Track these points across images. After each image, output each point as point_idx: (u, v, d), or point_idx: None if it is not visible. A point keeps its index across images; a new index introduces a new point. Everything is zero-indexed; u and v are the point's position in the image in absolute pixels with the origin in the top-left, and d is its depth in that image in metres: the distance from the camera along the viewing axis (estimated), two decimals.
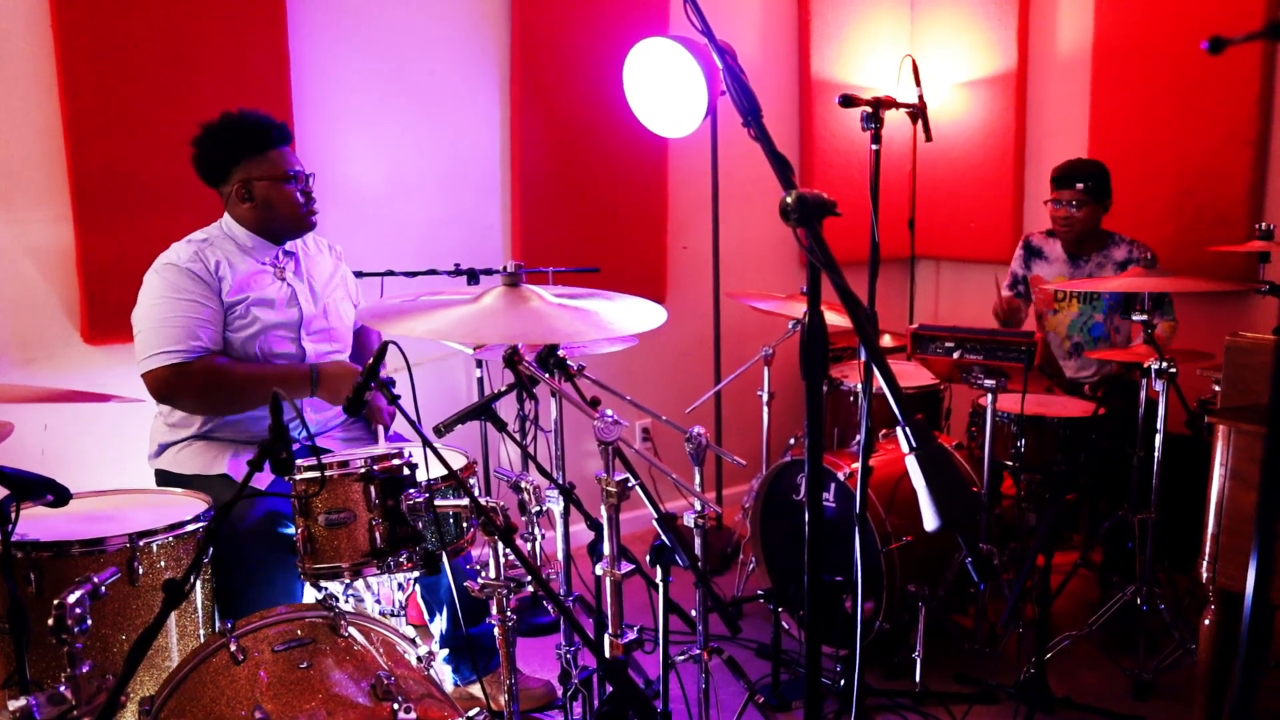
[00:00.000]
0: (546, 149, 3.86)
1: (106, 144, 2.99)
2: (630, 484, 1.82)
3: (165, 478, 2.60)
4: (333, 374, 2.54)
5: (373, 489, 1.91)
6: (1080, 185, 3.51)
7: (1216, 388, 2.35)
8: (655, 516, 1.94)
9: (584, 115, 3.93)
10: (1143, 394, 2.96)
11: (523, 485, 1.95)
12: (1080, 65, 4.32)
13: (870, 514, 2.93)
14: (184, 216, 2.75)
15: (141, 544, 2.02)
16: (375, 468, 1.92)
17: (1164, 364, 2.74)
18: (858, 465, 3.06)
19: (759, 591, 2.89)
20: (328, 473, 1.90)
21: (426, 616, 2.79)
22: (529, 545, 2.03)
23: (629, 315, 1.81)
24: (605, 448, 1.79)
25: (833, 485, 3.09)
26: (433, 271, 3.39)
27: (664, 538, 1.95)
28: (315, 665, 1.80)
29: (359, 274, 3.26)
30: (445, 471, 2.08)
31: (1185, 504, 3.07)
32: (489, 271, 3.47)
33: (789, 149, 4.65)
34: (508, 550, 1.88)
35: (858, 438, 3.20)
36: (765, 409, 3.58)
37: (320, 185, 3.45)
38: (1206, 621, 2.25)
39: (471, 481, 2.33)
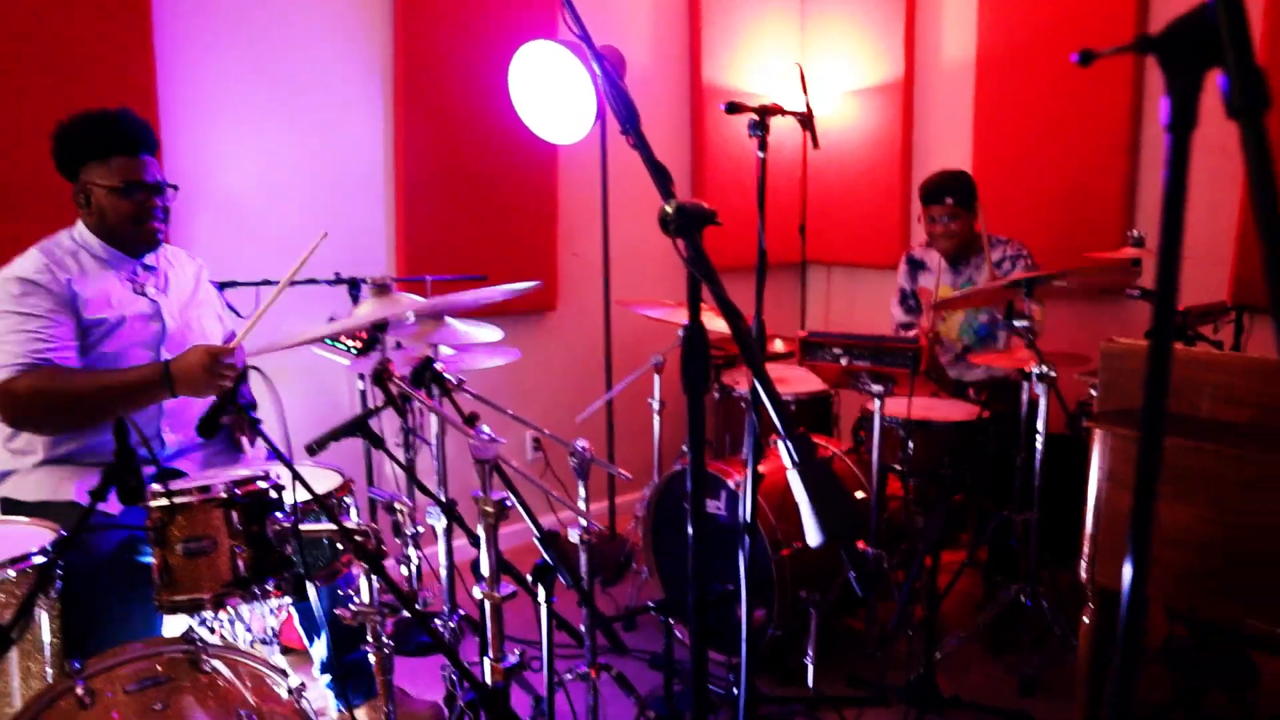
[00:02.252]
0: (432, 153, 3.76)
1: None
2: (509, 503, 1.75)
3: (10, 506, 2.42)
4: (188, 367, 2.30)
5: (235, 514, 1.80)
6: (950, 200, 3.58)
7: (1094, 392, 2.41)
8: (536, 535, 1.87)
9: (472, 118, 3.84)
10: (1024, 396, 3.02)
11: (396, 507, 1.87)
12: (964, 74, 4.41)
13: (760, 521, 2.91)
14: (46, 221, 2.57)
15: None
16: (237, 492, 1.81)
17: (1044, 368, 2.80)
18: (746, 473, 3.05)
19: (650, 603, 2.84)
20: (185, 499, 1.79)
21: (305, 642, 2.67)
22: (406, 568, 1.94)
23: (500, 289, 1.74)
24: (482, 466, 1.71)
25: (723, 493, 3.07)
26: (312, 280, 3.26)
27: (545, 557, 1.88)
28: (172, 706, 1.69)
29: (232, 284, 3.12)
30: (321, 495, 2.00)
31: (1065, 502, 3.15)
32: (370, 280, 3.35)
33: (680, 156, 4.63)
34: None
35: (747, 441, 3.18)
36: (656, 418, 3.55)
37: (191, 190, 3.29)
38: (1086, 619, 2.29)
39: (349, 501, 2.24)
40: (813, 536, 1.47)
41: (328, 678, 2.65)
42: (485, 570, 1.78)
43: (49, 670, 2.02)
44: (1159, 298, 0.86)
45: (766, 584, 2.93)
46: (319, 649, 2.62)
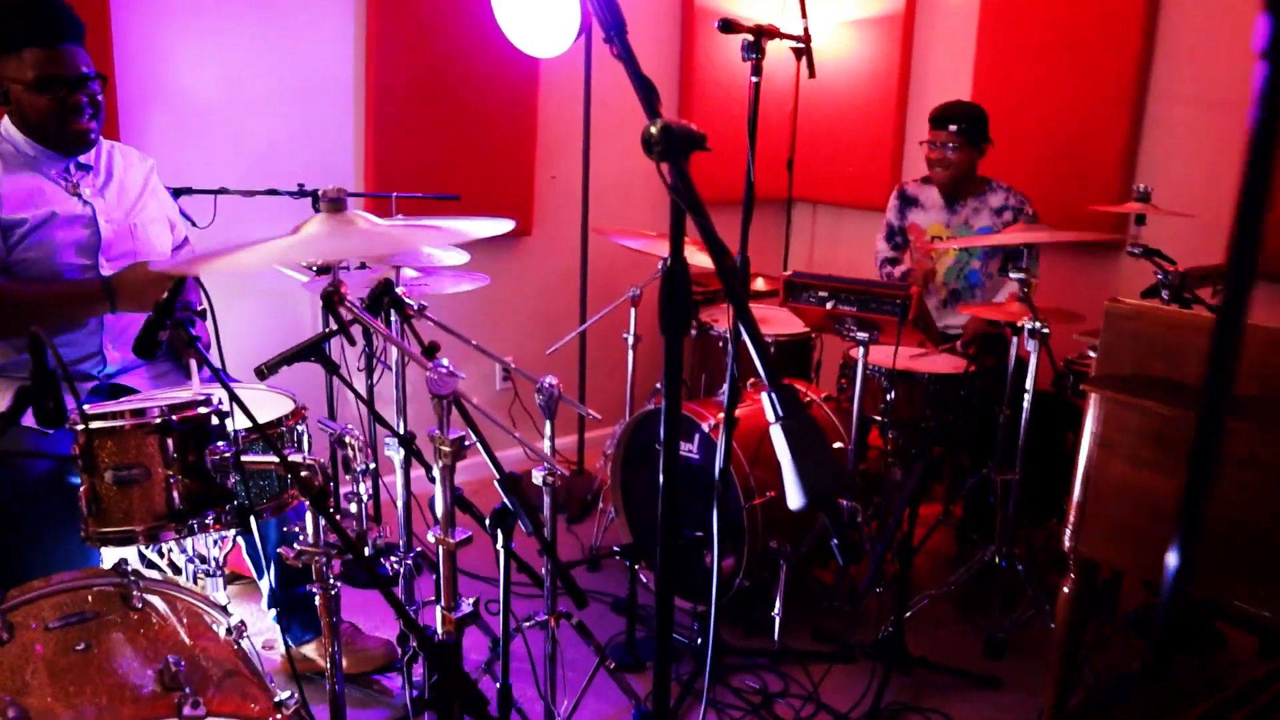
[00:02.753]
0: (406, 62, 3.54)
1: None
2: (468, 442, 1.62)
3: None
4: (132, 281, 2.18)
5: (171, 442, 1.66)
6: (954, 127, 3.42)
7: (1092, 353, 2.29)
8: (496, 477, 1.75)
9: (449, 26, 3.62)
10: (1013, 351, 2.92)
11: (346, 440, 1.73)
12: (968, 10, 4.22)
13: (734, 468, 2.80)
14: None
15: None
16: (174, 418, 1.66)
17: (1037, 324, 2.68)
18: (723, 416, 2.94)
19: (615, 548, 2.74)
20: (117, 423, 1.64)
21: (254, 573, 2.55)
22: (355, 505, 1.81)
23: (470, 228, 1.59)
24: (440, 401, 1.58)
25: (697, 436, 2.96)
26: (273, 191, 3.07)
27: (506, 500, 1.76)
28: (97, 646, 1.56)
29: (187, 191, 2.93)
30: (268, 423, 1.87)
31: (1046, 462, 3.07)
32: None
33: (668, 79, 4.42)
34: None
35: (724, 388, 3.06)
36: (630, 353, 3.41)
37: (144, 84, 3.07)
38: (1065, 589, 2.21)
39: (301, 429, 2.09)
40: (794, 499, 1.35)
41: (275, 611, 2.53)
42: (440, 513, 1.65)
43: None
44: (1234, 263, 0.73)
45: (737, 532, 2.83)
46: (266, 582, 2.50)
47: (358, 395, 2.10)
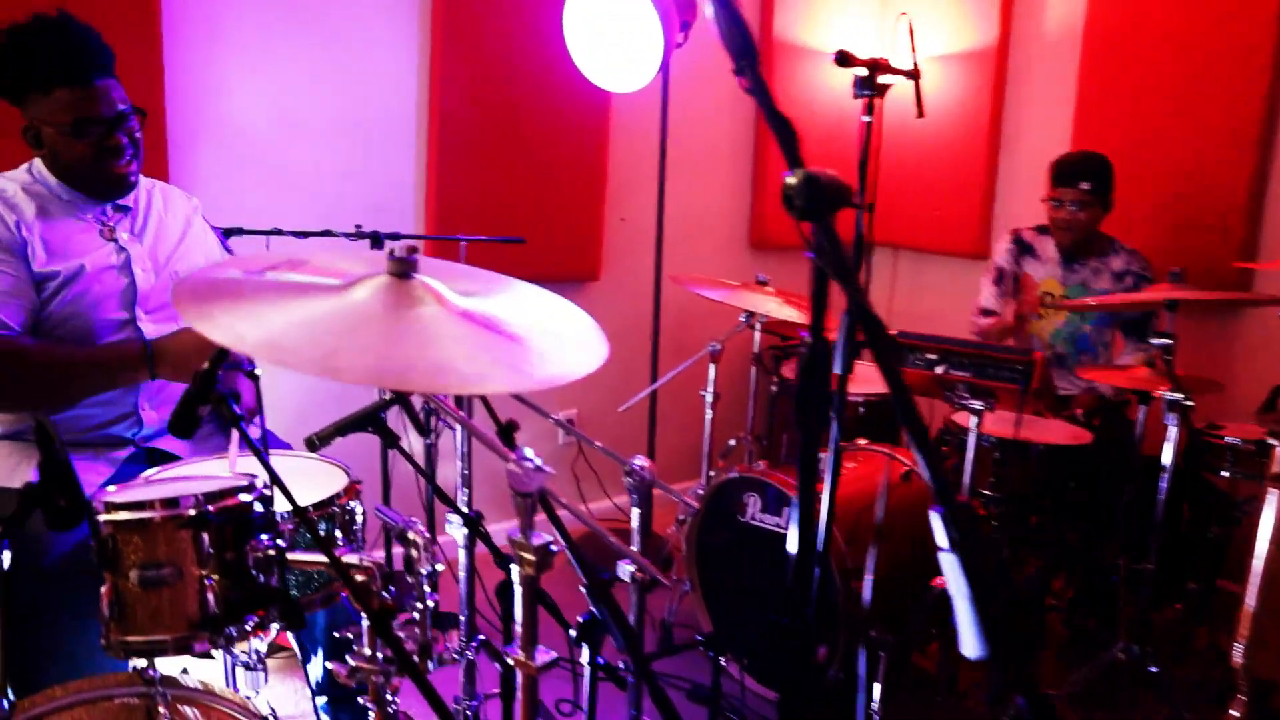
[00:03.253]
0: (471, 97, 3.33)
1: None
2: (555, 548, 1.36)
3: None
4: (177, 349, 1.98)
5: (206, 537, 1.42)
6: (1086, 185, 3.11)
7: (1273, 441, 1.98)
8: (584, 583, 1.48)
9: (517, 59, 3.41)
10: (1139, 422, 2.61)
11: (410, 537, 1.48)
12: (1069, 45, 3.92)
13: (830, 548, 2.51)
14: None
15: None
16: (209, 509, 1.42)
17: (1178, 395, 2.37)
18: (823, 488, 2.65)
19: (698, 636, 2.47)
20: (144, 514, 1.40)
21: (300, 658, 2.30)
22: (418, 613, 1.55)
23: (558, 344, 1.32)
24: (524, 500, 1.32)
25: (787, 511, 2.67)
26: (328, 233, 2.86)
27: (595, 610, 1.50)
28: None
29: (238, 231, 2.72)
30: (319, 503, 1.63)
31: (1169, 540, 2.74)
32: (396, 236, 2.95)
33: (744, 115, 4.18)
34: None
35: (819, 455, 2.77)
36: (709, 411, 3.14)
37: (194, 119, 2.88)
38: (1235, 713, 1.89)
39: (354, 509, 1.85)
40: (971, 647, 1.07)
41: (323, 700, 2.28)
42: (520, 629, 1.39)
43: None
44: None
45: (832, 619, 2.54)
46: (315, 668, 2.26)
47: (421, 472, 1.86)
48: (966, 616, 1.10)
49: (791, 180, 1.13)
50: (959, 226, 4.30)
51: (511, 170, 3.47)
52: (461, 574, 2.17)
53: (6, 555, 1.72)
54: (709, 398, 3.12)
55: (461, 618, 2.23)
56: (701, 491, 3.21)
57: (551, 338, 1.31)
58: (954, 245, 4.30)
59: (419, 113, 3.30)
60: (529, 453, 1.33)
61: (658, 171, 3.49)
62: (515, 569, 1.37)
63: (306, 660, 2.28)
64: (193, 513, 1.41)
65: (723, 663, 2.78)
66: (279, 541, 1.47)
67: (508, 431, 1.57)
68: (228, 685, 1.81)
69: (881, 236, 4.48)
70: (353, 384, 1.08)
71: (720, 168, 4.13)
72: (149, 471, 1.82)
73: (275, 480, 1.37)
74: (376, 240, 2.93)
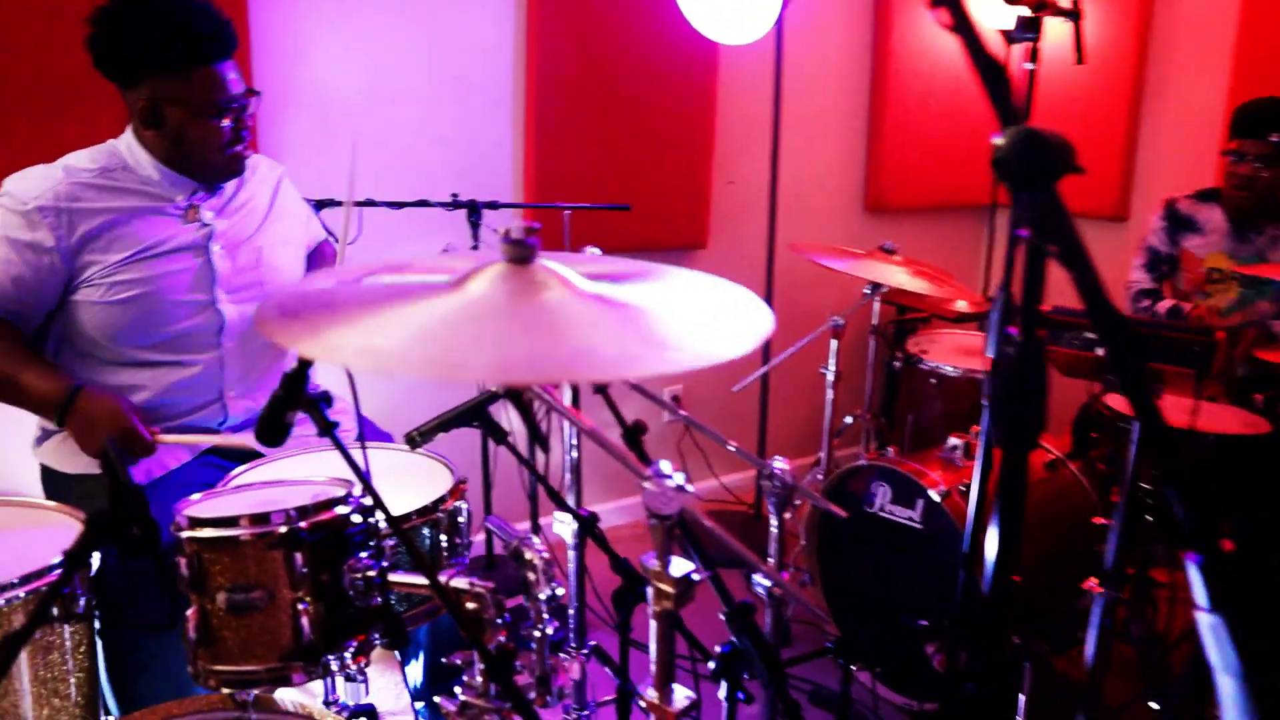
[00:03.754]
0: (570, 56, 3.12)
1: None
2: (697, 577, 1.16)
3: (48, 476, 1.95)
4: (92, 412, 1.78)
5: (299, 557, 1.26)
6: (1276, 137, 2.74)
7: None
8: (725, 610, 1.29)
9: (619, 14, 3.18)
10: None
11: (527, 556, 1.29)
12: None
13: (975, 548, 2.27)
14: (97, 119, 2.07)
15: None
16: (302, 525, 1.26)
17: None
18: (961, 479, 2.41)
19: (827, 644, 2.26)
20: (231, 532, 1.25)
21: (399, 658, 2.17)
22: (535, 638, 1.37)
23: (708, 322, 1.10)
24: (661, 525, 1.12)
25: (920, 502, 2.44)
26: (424, 203, 2.71)
27: (737, 640, 1.30)
28: None
29: (330, 203, 2.57)
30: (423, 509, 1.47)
31: None
32: (494, 205, 2.78)
33: (859, 66, 3.88)
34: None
35: (953, 442, 2.53)
36: (830, 390, 2.91)
37: (282, 90, 2.73)
38: None
39: (461, 510, 1.68)
40: None
41: (421, 705, 2.14)
42: (655, 670, 1.20)
43: None
44: None
45: (971, 624, 2.30)
46: (414, 672, 2.11)
47: (533, 473, 1.67)
48: (1232, 694, 0.88)
49: (1007, 139, 0.90)
50: (1097, 186, 3.94)
51: (614, 133, 3.26)
52: (570, 575, 2.00)
53: (95, 558, 1.61)
54: (830, 376, 2.89)
55: (569, 615, 2.07)
56: (821, 476, 2.99)
57: (700, 314, 1.10)
58: (1091, 207, 3.94)
59: (516, 74, 3.10)
60: (666, 467, 1.13)
61: (771, 131, 3.24)
62: (649, 598, 1.18)
63: (406, 662, 2.14)
64: (284, 530, 1.25)
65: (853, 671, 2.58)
66: (380, 561, 1.31)
67: (635, 435, 1.37)
68: (328, 696, 1.66)
69: (1007, 197, 4.16)
70: (474, 381, 0.88)
71: (834, 126, 3.85)
72: (237, 471, 1.68)
73: (374, 497, 1.19)
74: (474, 209, 2.76)
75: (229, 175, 1.98)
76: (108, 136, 1.93)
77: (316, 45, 2.78)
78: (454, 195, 2.74)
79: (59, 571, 1.29)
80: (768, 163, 3.30)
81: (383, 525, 1.38)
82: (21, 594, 1.38)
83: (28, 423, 1.97)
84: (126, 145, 1.90)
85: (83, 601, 1.47)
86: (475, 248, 2.73)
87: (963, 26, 0.97)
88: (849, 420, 3.32)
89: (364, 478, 1.16)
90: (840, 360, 2.90)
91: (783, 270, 3.35)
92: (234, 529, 1.25)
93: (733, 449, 1.59)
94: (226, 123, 1.88)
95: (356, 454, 1.17)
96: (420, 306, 0.97)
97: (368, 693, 1.84)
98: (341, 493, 1.35)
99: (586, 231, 2.83)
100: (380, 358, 0.84)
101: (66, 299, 1.84)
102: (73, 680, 1.52)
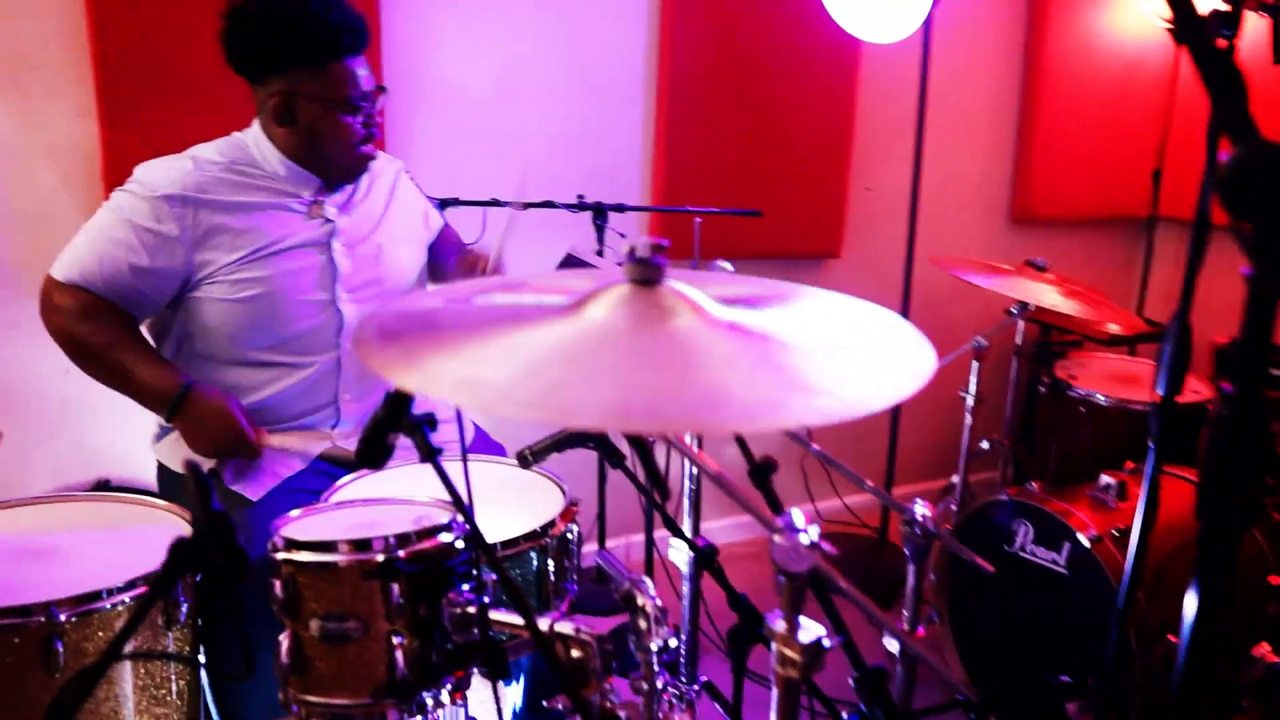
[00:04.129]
0: (704, 53, 3.00)
1: (132, 17, 2.31)
2: (828, 644, 1.02)
3: (163, 473, 1.94)
4: (202, 412, 1.79)
5: (396, 588, 1.18)
6: None
7: None
8: (856, 676, 1.15)
9: (756, 10, 3.05)
10: None
11: (639, 602, 1.18)
12: None
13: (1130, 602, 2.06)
14: (222, 113, 2.05)
15: (65, 619, 1.32)
16: (400, 555, 1.18)
17: None
18: (1114, 524, 2.20)
19: (959, 697, 2.09)
20: (329, 557, 1.17)
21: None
22: (644, 689, 1.26)
23: (857, 357, 0.96)
24: (789, 583, 0.99)
25: (1066, 546, 2.23)
26: (549, 204, 2.62)
27: (866, 710, 1.16)
28: None
29: (454, 202, 2.52)
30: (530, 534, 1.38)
31: None
32: (620, 208, 2.68)
33: (1010, 68, 3.63)
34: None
35: (1105, 480, 2.31)
36: (968, 415, 2.71)
37: (408, 84, 2.69)
38: None
39: (572, 535, 1.58)
40: None
41: None
42: None
43: None
44: None
45: (1125, 682, 2.09)
46: (513, 694, 2.03)
47: (651, 502, 1.57)
48: None
49: (1238, 158, 0.75)
50: None
51: (747, 135, 3.13)
52: (684, 609, 1.88)
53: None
54: (969, 400, 2.69)
55: (681, 647, 1.95)
56: (955, 505, 2.80)
57: (848, 346, 0.96)
58: None
59: (648, 72, 3.00)
60: (798, 518, 1.00)
61: (914, 135, 3.05)
62: (773, 660, 1.05)
63: (506, 683, 2.06)
64: (380, 559, 1.17)
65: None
66: (483, 596, 1.22)
67: (764, 475, 1.24)
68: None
69: (1169, 210, 3.85)
70: (588, 426, 0.76)
71: (981, 132, 3.63)
72: (343, 481, 1.62)
73: (477, 541, 1.10)
74: (600, 212, 2.67)
75: (357, 173, 1.94)
76: (235, 128, 1.91)
77: (446, 41, 2.74)
78: (580, 197, 2.65)
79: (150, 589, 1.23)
80: (909, 168, 3.12)
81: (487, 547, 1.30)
82: (127, 599, 1.35)
83: (151, 417, 1.97)
84: (254, 139, 1.87)
85: (185, 609, 1.43)
86: (600, 252, 2.64)
87: (1189, 25, 0.83)
88: (985, 445, 3.11)
89: (467, 512, 1.07)
90: (980, 382, 2.71)
91: (921, 283, 3.16)
92: (330, 554, 1.17)
93: (869, 489, 1.44)
94: (358, 119, 1.84)
95: (462, 479, 1.08)
96: (532, 333, 0.86)
97: (468, 717, 1.77)
98: (446, 518, 1.26)
99: (715, 237, 2.71)
100: (481, 393, 0.74)
101: (187, 295, 1.82)
102: (174, 687, 1.48)
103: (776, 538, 0.99)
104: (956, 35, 3.38)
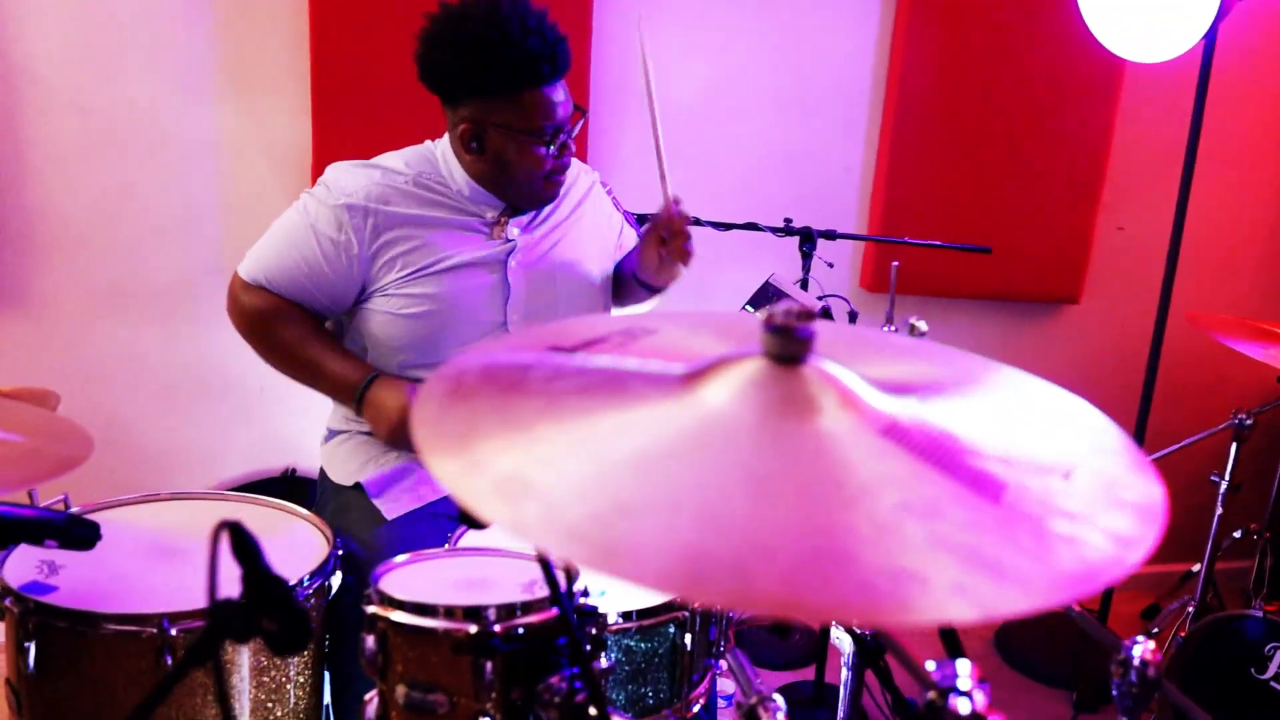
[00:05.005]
0: (938, 69, 2.73)
1: (348, 19, 2.33)
2: None
3: (321, 477, 1.91)
4: (381, 401, 1.71)
5: (489, 665, 1.04)
6: None
7: None
8: None
9: (999, 23, 2.75)
10: None
11: (754, 713, 0.99)
12: None
13: None
14: (427, 116, 2.00)
15: (176, 633, 1.27)
16: (497, 629, 1.04)
17: None
18: None
19: None
20: (422, 621, 1.05)
21: None
22: None
23: (1057, 515, 0.72)
24: None
25: None
26: (753, 226, 2.45)
27: None
28: None
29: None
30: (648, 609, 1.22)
31: None
32: (831, 235, 2.46)
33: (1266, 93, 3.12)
34: None
35: None
36: (1220, 505, 2.31)
37: (615, 100, 2.58)
38: None
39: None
40: None
41: None
42: None
43: None
44: None
45: None
46: None
47: None
48: None
49: None
50: None
51: (980, 162, 2.83)
52: (843, 698, 1.66)
53: (336, 579, 1.50)
54: (1223, 485, 2.29)
55: None
56: (1193, 606, 2.41)
57: (1045, 475, 0.73)
58: None
59: (874, 89, 2.77)
60: (964, 675, 0.78)
61: (1180, 170, 2.65)
62: None
63: None
64: (473, 630, 1.03)
65: None
66: (583, 686, 1.06)
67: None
68: None
69: None
70: (650, 588, 0.54)
71: (1266, 170, 3.14)
72: (460, 532, 1.51)
73: (580, 658, 0.94)
74: (808, 237, 2.47)
75: (544, 202, 1.83)
76: (440, 132, 1.85)
77: (657, 53, 2.61)
78: (787, 220, 2.47)
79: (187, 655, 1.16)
80: (1171, 208, 2.71)
81: (603, 627, 1.14)
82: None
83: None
84: (443, 153, 1.79)
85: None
86: (803, 283, 2.44)
87: None
88: (1238, 535, 2.68)
89: (565, 606, 0.91)
90: (1239, 466, 2.30)
91: (1174, 342, 2.74)
92: (423, 617, 1.05)
93: (1078, 617, 1.18)
94: (551, 149, 1.72)
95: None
96: (622, 417, 0.69)
97: None
98: (561, 585, 1.11)
99: (935, 273, 2.46)
100: (522, 505, 0.57)
101: (359, 305, 1.78)
102: (291, 696, 1.42)
103: (930, 694, 0.77)
104: (1242, 55, 2.93)
